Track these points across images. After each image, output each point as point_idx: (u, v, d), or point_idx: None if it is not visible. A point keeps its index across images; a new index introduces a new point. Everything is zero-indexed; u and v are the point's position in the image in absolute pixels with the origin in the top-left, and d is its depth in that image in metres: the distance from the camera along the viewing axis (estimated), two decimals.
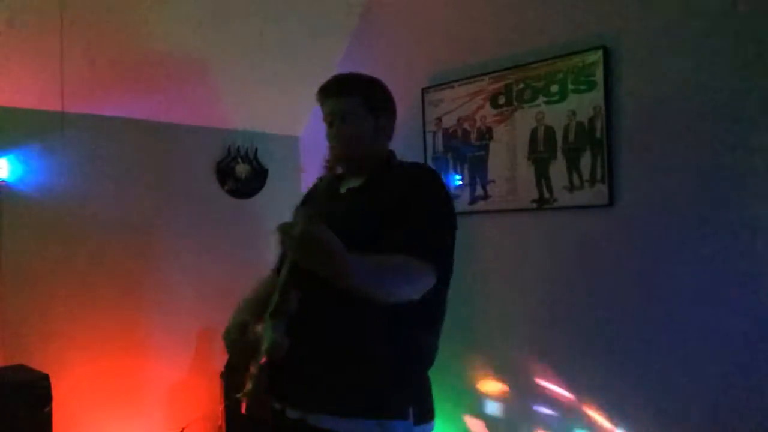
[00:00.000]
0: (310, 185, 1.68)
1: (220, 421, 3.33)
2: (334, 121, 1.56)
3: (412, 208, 1.40)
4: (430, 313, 1.48)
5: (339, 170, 1.62)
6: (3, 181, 2.87)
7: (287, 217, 1.34)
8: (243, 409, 1.37)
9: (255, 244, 3.50)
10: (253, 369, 1.36)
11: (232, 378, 3.26)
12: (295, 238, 1.16)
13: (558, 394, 2.75)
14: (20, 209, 2.92)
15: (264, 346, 1.31)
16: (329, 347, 1.39)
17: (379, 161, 1.58)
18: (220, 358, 3.34)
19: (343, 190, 1.59)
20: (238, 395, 1.37)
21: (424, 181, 1.50)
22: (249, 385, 1.36)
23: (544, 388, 2.80)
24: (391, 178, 1.52)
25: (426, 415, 1.47)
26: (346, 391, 1.37)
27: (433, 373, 1.54)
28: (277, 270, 1.53)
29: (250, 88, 3.49)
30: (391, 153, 1.63)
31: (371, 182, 1.53)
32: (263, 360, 1.32)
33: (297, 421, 1.40)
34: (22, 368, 2.75)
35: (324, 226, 1.17)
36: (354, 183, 1.57)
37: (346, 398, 1.37)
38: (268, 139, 3.82)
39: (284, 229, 1.20)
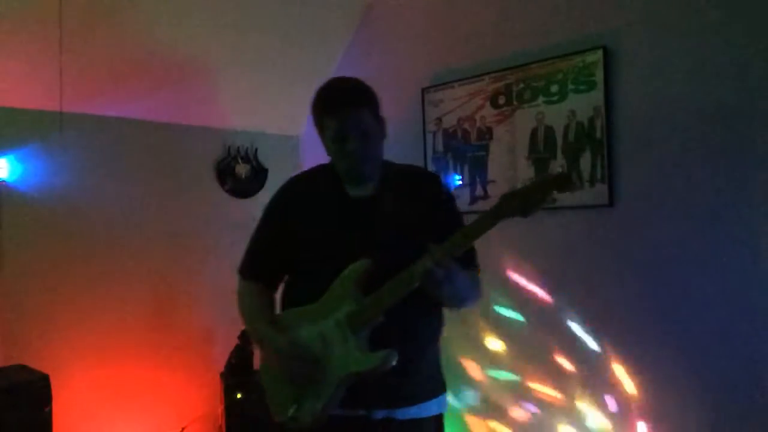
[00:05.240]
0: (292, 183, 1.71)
1: (220, 421, 3.33)
2: (350, 135, 1.50)
3: (455, 222, 1.56)
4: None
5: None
6: (3, 181, 2.87)
7: None
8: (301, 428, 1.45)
9: None
10: (322, 386, 1.44)
11: (232, 378, 3.27)
12: (445, 276, 1.34)
13: (555, 392, 2.76)
14: (20, 209, 2.92)
15: (366, 362, 1.41)
16: (407, 352, 1.45)
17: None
18: (220, 358, 3.35)
19: (353, 194, 1.59)
20: (291, 413, 1.45)
21: (444, 188, 1.66)
22: (316, 402, 1.44)
23: (541, 386, 2.81)
24: (401, 181, 1.60)
25: None
26: (422, 382, 1.55)
27: None
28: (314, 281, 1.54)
29: (250, 88, 3.49)
30: None
31: (384, 190, 1.58)
32: (349, 374, 1.42)
33: (384, 420, 1.50)
34: (22, 368, 2.75)
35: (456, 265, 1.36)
36: (361, 190, 1.58)
37: (422, 388, 1.55)
38: (268, 139, 3.82)
39: (432, 265, 1.33)
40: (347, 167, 1.55)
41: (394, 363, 1.38)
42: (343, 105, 1.50)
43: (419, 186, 1.62)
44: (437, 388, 1.60)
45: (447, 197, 1.65)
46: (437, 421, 1.58)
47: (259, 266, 1.66)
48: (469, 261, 1.55)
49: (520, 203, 1.35)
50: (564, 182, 1.36)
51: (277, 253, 1.62)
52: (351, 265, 1.46)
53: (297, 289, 1.62)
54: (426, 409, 1.55)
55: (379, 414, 1.49)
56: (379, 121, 1.56)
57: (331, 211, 1.58)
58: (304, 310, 1.54)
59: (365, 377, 1.41)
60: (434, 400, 1.57)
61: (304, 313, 1.53)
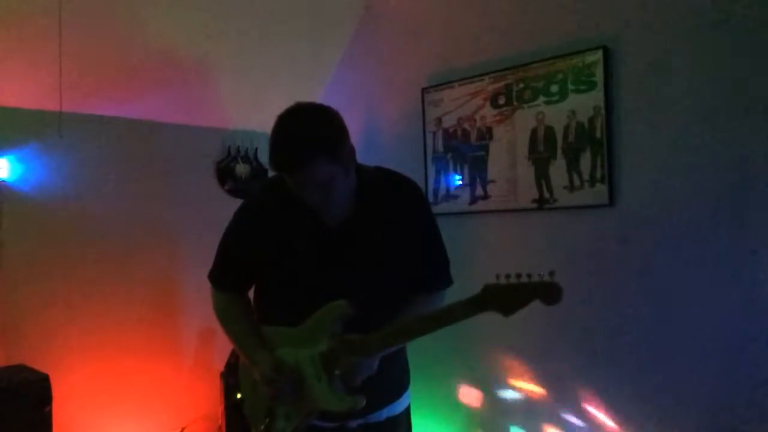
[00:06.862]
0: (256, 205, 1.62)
1: (220, 421, 3.33)
2: (306, 191, 1.41)
3: (426, 241, 1.57)
4: None
5: None
6: (3, 181, 2.87)
7: None
8: None
9: None
10: (294, 410, 1.48)
11: (232, 378, 3.27)
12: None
13: (556, 394, 2.76)
14: (20, 209, 2.92)
15: (334, 403, 1.43)
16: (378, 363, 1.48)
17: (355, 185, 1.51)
18: (220, 358, 3.35)
19: (328, 221, 1.49)
20: (262, 427, 1.51)
21: (422, 206, 1.60)
22: (287, 424, 1.48)
23: (541, 388, 2.81)
24: (379, 200, 1.51)
25: None
26: (392, 385, 1.61)
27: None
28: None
29: (250, 88, 3.49)
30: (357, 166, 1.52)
31: (362, 212, 1.49)
32: (318, 410, 1.46)
33: (360, 427, 1.55)
34: (22, 368, 2.75)
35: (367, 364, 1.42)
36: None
37: (392, 389, 1.62)
38: (267, 139, 3.81)
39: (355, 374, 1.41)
40: (312, 208, 1.46)
41: (363, 405, 1.40)
42: (291, 167, 1.39)
43: (396, 204, 1.53)
44: (405, 384, 1.67)
45: (424, 214, 1.59)
46: (407, 412, 1.67)
47: (231, 278, 1.69)
48: (437, 283, 1.58)
49: (503, 301, 1.26)
50: (553, 294, 1.23)
51: (247, 268, 1.63)
52: (329, 304, 1.43)
53: (270, 303, 1.61)
54: (397, 406, 1.62)
55: (354, 423, 1.54)
56: (342, 157, 1.41)
57: (305, 233, 1.50)
58: (284, 332, 1.52)
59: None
60: (404, 395, 1.65)
61: (285, 336, 1.52)
